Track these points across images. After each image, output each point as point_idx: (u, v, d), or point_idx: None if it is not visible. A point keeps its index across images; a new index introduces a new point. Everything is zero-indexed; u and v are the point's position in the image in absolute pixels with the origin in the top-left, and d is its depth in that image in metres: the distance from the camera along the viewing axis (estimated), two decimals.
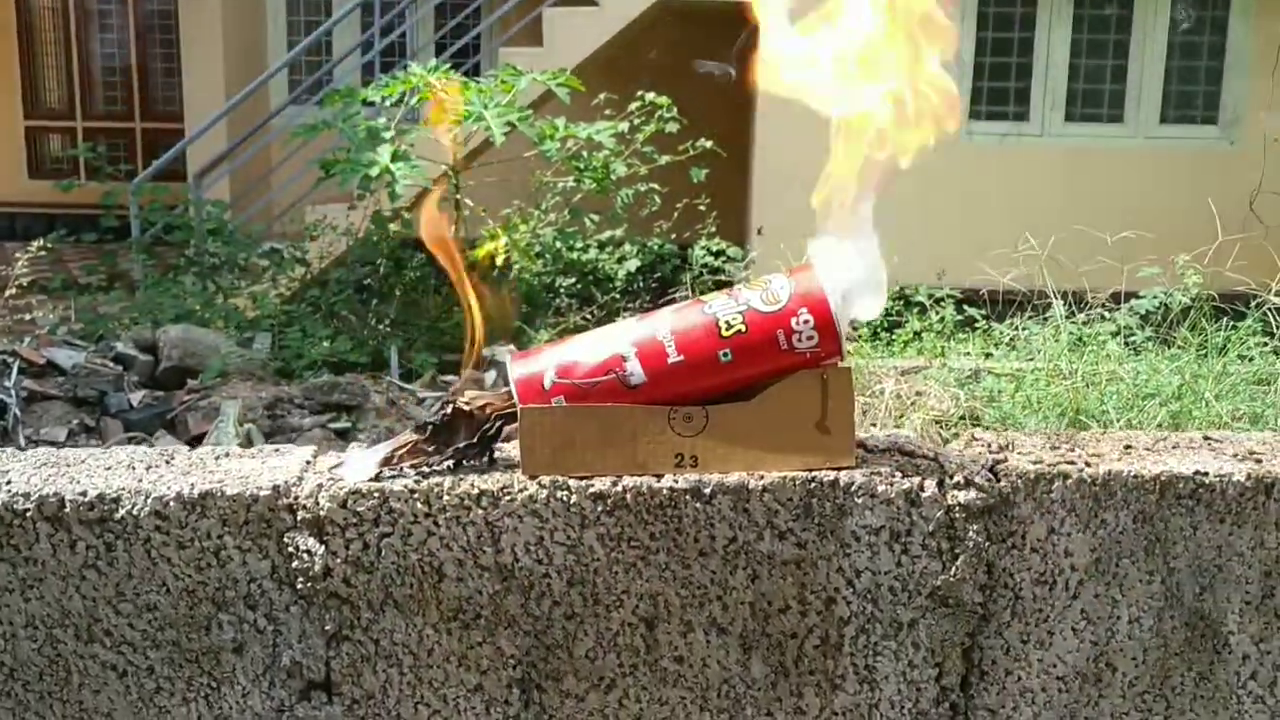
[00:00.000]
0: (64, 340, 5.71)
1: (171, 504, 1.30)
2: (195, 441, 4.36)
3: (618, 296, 6.79)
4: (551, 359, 1.35)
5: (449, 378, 5.35)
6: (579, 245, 7.02)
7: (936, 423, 3.99)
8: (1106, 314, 4.56)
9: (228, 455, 1.41)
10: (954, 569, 1.35)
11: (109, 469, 1.36)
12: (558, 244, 6.90)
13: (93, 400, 4.90)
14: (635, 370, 1.33)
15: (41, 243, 6.49)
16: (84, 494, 1.30)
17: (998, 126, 7.38)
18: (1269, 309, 4.16)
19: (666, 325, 1.35)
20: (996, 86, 7.40)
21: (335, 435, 4.53)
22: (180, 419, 4.73)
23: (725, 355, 1.33)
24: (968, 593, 1.36)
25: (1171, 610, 1.39)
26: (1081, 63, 7.50)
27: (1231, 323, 4.22)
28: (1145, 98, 7.52)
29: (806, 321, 1.32)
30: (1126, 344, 4.42)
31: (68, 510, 1.30)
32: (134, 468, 1.37)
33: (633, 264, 7.12)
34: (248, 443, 4.22)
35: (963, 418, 3.97)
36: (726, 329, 1.33)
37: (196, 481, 1.32)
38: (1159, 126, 7.56)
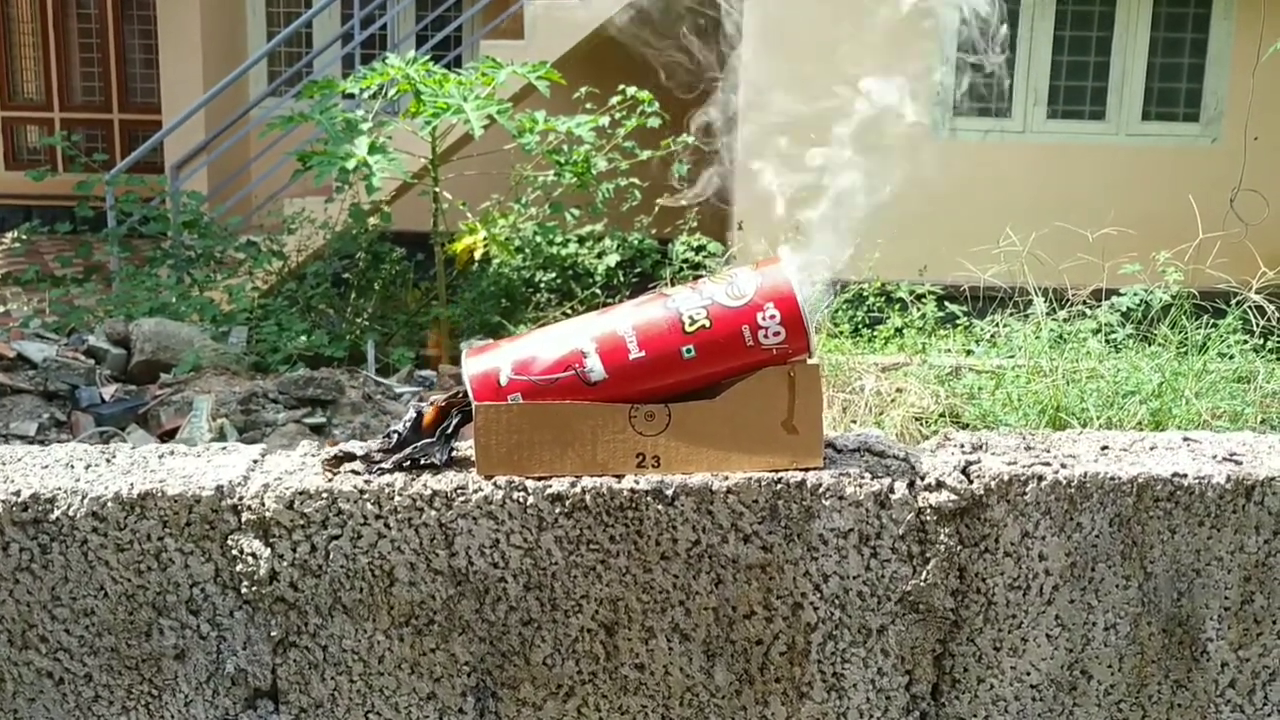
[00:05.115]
0: (35, 333, 5.63)
1: (109, 504, 1.24)
2: (168, 436, 4.30)
3: (598, 291, 6.74)
4: (508, 355, 1.30)
5: (426, 372, 5.29)
6: (559, 240, 6.96)
7: (917, 419, 3.96)
8: (1087, 311, 4.54)
9: (171, 453, 1.35)
10: (925, 573, 1.31)
11: (45, 468, 1.31)
12: (537, 238, 6.85)
13: (64, 394, 4.83)
14: (595, 367, 1.28)
15: (15, 234, 6.39)
16: (17, 494, 1.24)
17: (980, 123, 7.35)
18: (1249, 307, 4.14)
19: (628, 320, 1.30)
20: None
21: (310, 430, 4.46)
22: (153, 413, 4.66)
23: (689, 351, 1.28)
24: (939, 598, 1.31)
25: (1148, 616, 1.35)
26: (1064, 59, 7.48)
27: (1212, 320, 4.20)
28: (1127, 95, 7.51)
29: (773, 317, 1.27)
30: (1107, 341, 4.40)
31: (0, 511, 1.24)
32: (72, 466, 1.31)
33: (613, 259, 7.07)
34: (221, 438, 4.16)
35: (943, 415, 3.94)
36: (690, 324, 1.28)
37: (136, 481, 1.26)
38: (1141, 124, 7.55)
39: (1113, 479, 1.31)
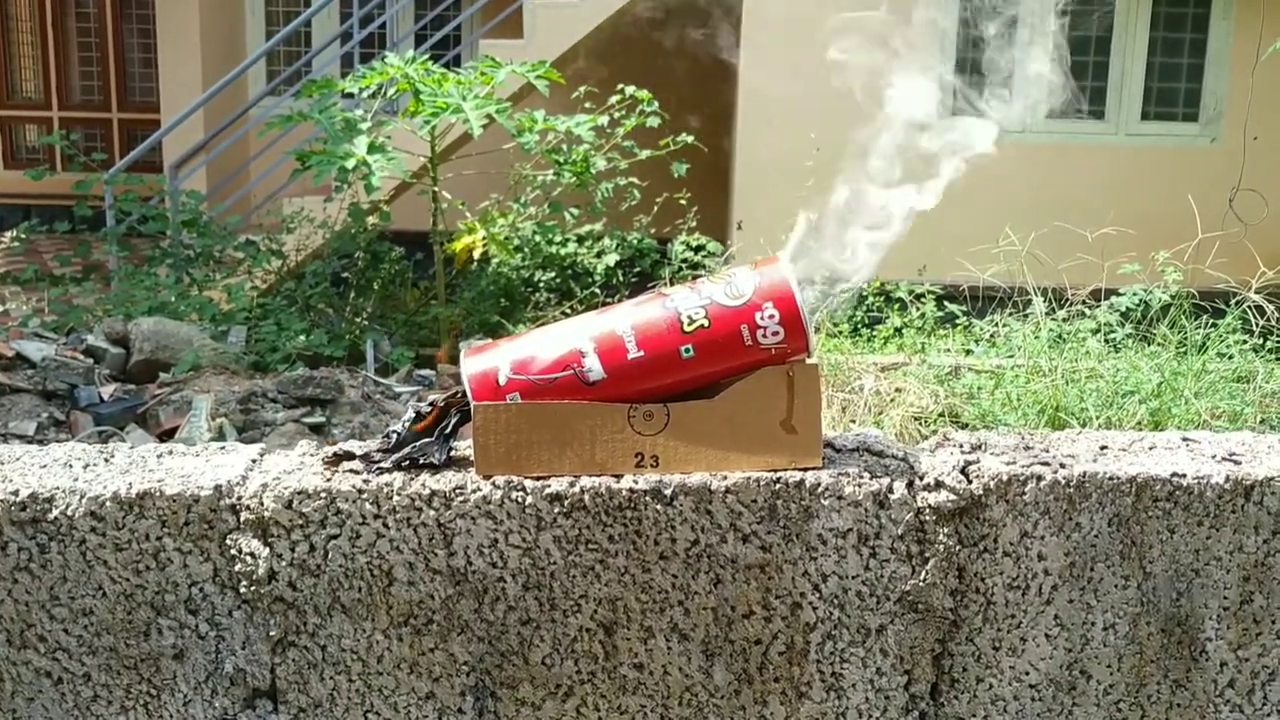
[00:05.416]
0: (34, 333, 5.63)
1: (108, 504, 1.24)
2: (166, 435, 4.29)
3: (597, 291, 6.74)
4: (506, 355, 1.30)
5: (425, 372, 5.29)
6: (558, 239, 6.96)
7: (916, 419, 3.96)
8: (1087, 311, 4.54)
9: (170, 453, 1.35)
10: (924, 573, 1.30)
11: (44, 467, 1.30)
12: (536, 238, 6.85)
13: (63, 393, 4.82)
14: (594, 366, 1.28)
15: (14, 234, 6.38)
16: (16, 493, 1.24)
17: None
18: (1248, 306, 4.14)
19: (627, 320, 1.30)
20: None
21: (309, 430, 4.46)
22: (152, 413, 4.66)
23: (687, 351, 1.28)
24: (938, 598, 1.31)
25: (1147, 616, 1.35)
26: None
27: (1211, 320, 4.20)
28: (1126, 95, 7.51)
29: (772, 316, 1.27)
30: (1106, 341, 4.40)
31: None
32: (70, 466, 1.31)
33: (612, 258, 7.07)
34: (220, 437, 4.16)
35: (942, 414, 3.94)
36: (689, 324, 1.28)
37: (135, 481, 1.26)
38: (1140, 123, 7.55)
39: (1112, 479, 1.31)
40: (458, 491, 1.26)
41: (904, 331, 5.02)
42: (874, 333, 5.15)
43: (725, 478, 1.27)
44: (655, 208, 7.11)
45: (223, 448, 1.37)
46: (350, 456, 1.31)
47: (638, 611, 1.30)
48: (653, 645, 1.31)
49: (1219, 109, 7.46)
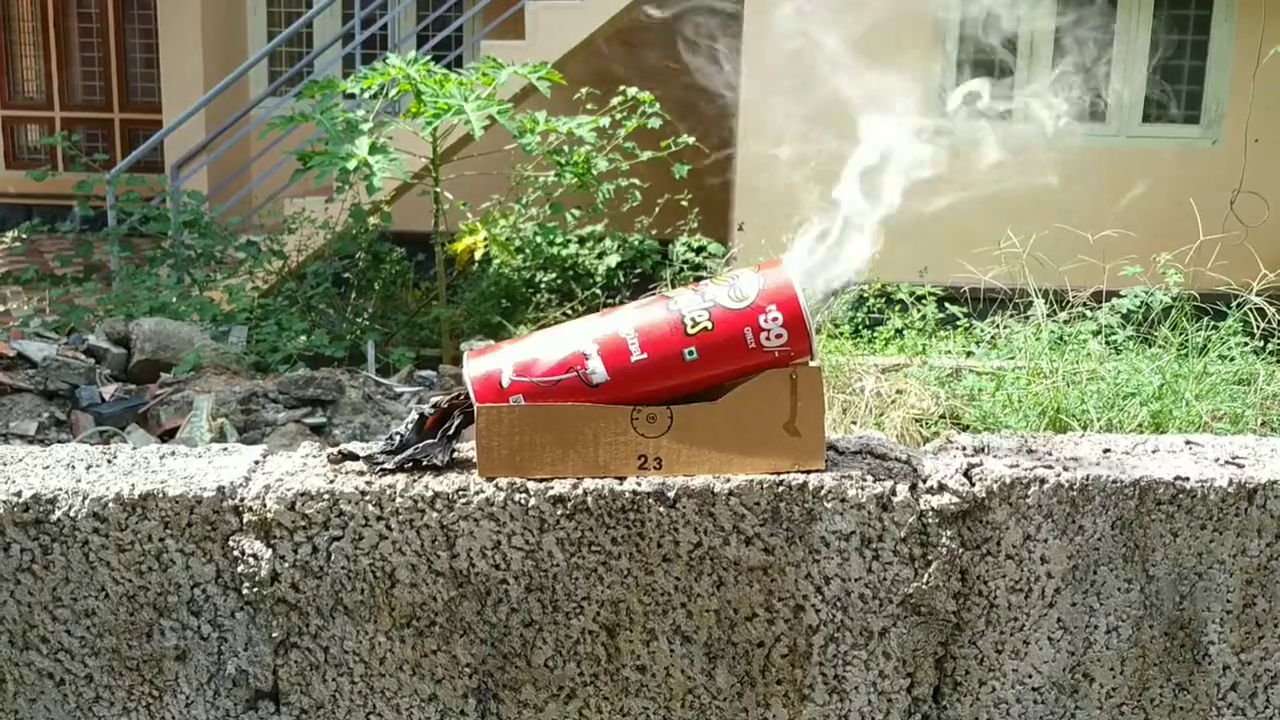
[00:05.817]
0: (35, 333, 5.63)
1: (110, 505, 1.24)
2: (167, 436, 4.29)
3: (598, 292, 6.74)
4: (510, 356, 1.30)
5: (426, 372, 5.29)
6: (559, 240, 6.96)
7: (916, 421, 3.96)
8: (1088, 313, 4.53)
9: (173, 454, 1.35)
10: (927, 576, 1.30)
11: (47, 468, 1.30)
12: (538, 239, 6.85)
13: (64, 393, 4.82)
14: (597, 368, 1.28)
15: (16, 233, 6.38)
16: (19, 494, 1.24)
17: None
18: (1250, 309, 4.14)
19: (630, 322, 1.30)
20: None
21: (310, 430, 4.46)
22: (153, 413, 4.66)
23: (691, 353, 1.28)
24: (941, 601, 1.31)
25: (1150, 619, 1.35)
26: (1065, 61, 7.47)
27: (1212, 322, 4.20)
28: (1128, 97, 7.50)
29: (775, 319, 1.27)
30: (1107, 343, 4.40)
31: (1, 512, 1.24)
32: (73, 467, 1.31)
33: (613, 259, 7.07)
34: (221, 437, 4.16)
35: (943, 416, 3.94)
36: (692, 326, 1.28)
37: (137, 482, 1.26)
38: (1141, 125, 7.54)
39: (1115, 482, 1.31)
40: (460, 493, 1.26)
41: (905, 333, 5.02)
42: (875, 334, 5.15)
43: (728, 480, 1.27)
44: (656, 209, 7.11)
45: (225, 449, 1.37)
46: (353, 457, 1.31)
47: (640, 614, 1.30)
48: (655, 647, 1.31)
49: (1220, 111, 7.46)
